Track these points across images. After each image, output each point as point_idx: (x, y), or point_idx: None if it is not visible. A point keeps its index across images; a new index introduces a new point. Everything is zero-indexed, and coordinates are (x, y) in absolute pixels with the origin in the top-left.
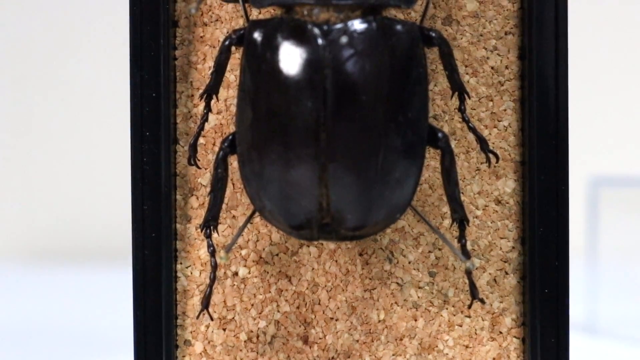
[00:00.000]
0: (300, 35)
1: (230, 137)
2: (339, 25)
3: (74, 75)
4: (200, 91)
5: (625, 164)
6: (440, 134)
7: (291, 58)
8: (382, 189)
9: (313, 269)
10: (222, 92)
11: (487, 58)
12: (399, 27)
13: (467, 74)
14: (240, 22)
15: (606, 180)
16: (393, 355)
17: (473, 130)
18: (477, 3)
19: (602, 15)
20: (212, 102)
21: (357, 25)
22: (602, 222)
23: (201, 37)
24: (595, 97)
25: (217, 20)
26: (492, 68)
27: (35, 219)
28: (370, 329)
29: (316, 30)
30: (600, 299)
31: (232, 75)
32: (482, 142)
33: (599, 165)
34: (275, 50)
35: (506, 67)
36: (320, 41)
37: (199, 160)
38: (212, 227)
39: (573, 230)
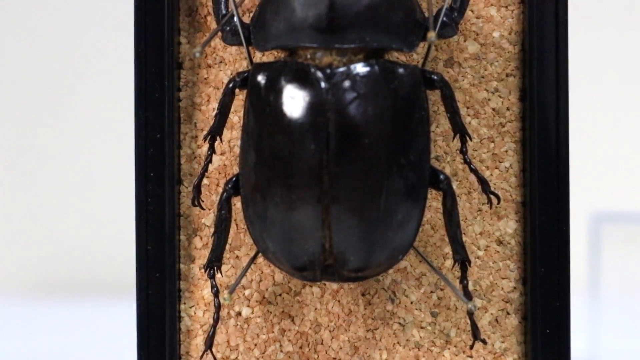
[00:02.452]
0: (303, 79)
1: (233, 178)
2: (341, 69)
3: (79, 110)
4: (204, 132)
5: (627, 200)
6: (442, 176)
7: (294, 101)
8: (385, 231)
9: (316, 309)
10: (226, 134)
11: (489, 100)
12: (401, 70)
13: (468, 115)
14: (244, 64)
15: (608, 216)
16: None
17: (475, 172)
18: (478, 45)
19: (602, 56)
20: (216, 143)
21: (360, 68)
22: (604, 258)
23: (205, 79)
24: (596, 133)
25: (221, 62)
26: (494, 109)
27: (37, 253)
28: None
29: (319, 74)
30: (602, 335)
31: (235, 116)
32: (484, 184)
33: (600, 201)
34: (278, 93)
35: (507, 109)
36: (323, 84)
37: (202, 201)
38: (215, 268)
39: (575, 265)
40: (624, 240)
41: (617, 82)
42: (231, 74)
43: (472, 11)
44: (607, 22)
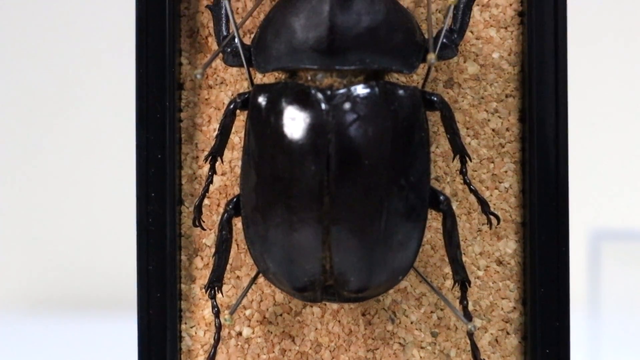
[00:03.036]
0: (304, 100)
1: (234, 199)
2: (342, 90)
3: (81, 129)
4: (205, 153)
5: (627, 218)
6: (442, 197)
7: (295, 122)
8: (385, 252)
9: (316, 329)
10: (227, 154)
11: (488, 120)
12: (401, 91)
13: (468, 136)
14: (245, 85)
15: (608, 233)
16: None
17: (474, 192)
18: (478, 66)
19: (601, 77)
20: (217, 164)
21: (360, 90)
22: (603, 275)
23: (206, 99)
24: (596, 150)
25: (222, 83)
26: (493, 130)
27: (37, 270)
28: None
29: (320, 95)
30: (602, 353)
31: (236, 137)
32: (483, 205)
33: (600, 218)
34: (279, 114)
35: (507, 130)
36: (323, 106)
37: (203, 221)
38: (216, 288)
39: (575, 284)
40: (624, 258)
41: (616, 101)
42: (232, 95)
43: (471, 32)
44: (607, 42)
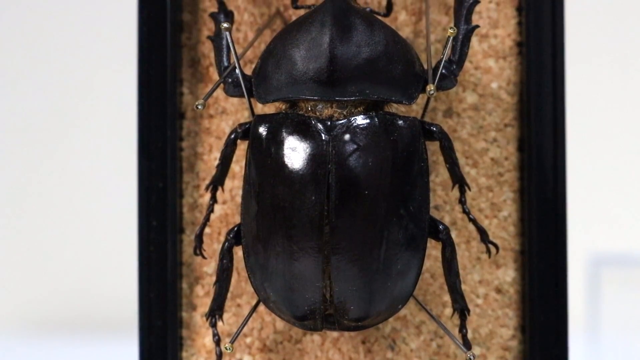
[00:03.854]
0: (304, 131)
1: (235, 228)
2: (342, 121)
3: (83, 157)
4: (206, 182)
5: (627, 243)
6: (441, 226)
7: (295, 152)
8: (385, 281)
9: (316, 356)
10: (228, 183)
11: (487, 149)
12: (400, 122)
13: (467, 165)
14: (246, 115)
15: (607, 258)
16: None
17: (473, 222)
18: (477, 96)
19: (599, 106)
20: (218, 193)
21: (360, 120)
22: (603, 301)
23: (207, 128)
24: (595, 176)
25: (222, 112)
26: (492, 159)
27: (37, 292)
28: None
29: (320, 126)
30: None
31: (237, 166)
32: (482, 234)
33: (600, 243)
34: (280, 144)
35: (506, 159)
36: (324, 136)
37: (204, 250)
38: (217, 316)
39: (574, 310)
40: (624, 284)
41: (614, 128)
42: (233, 124)
43: (470, 62)
44: (605, 72)
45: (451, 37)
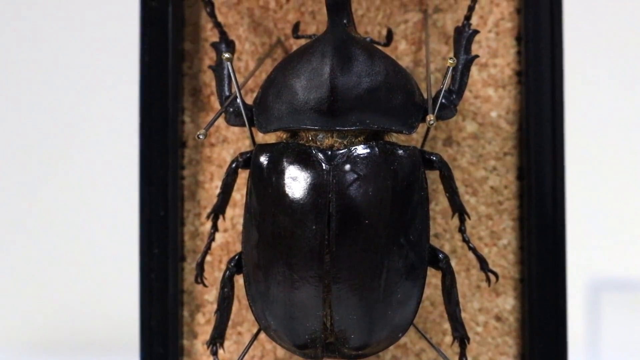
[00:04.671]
0: (305, 160)
1: (236, 257)
2: (342, 151)
3: (84, 184)
4: (208, 210)
5: (626, 268)
6: (441, 255)
7: (296, 182)
8: (385, 310)
9: None
10: (229, 211)
11: (487, 178)
12: (400, 152)
13: (467, 193)
14: (247, 143)
15: (607, 283)
16: None
17: (473, 250)
18: (476, 125)
19: (598, 135)
20: (219, 221)
21: (360, 150)
22: (603, 326)
23: (208, 157)
24: (594, 200)
25: (224, 141)
26: (492, 188)
27: (37, 319)
28: None
29: (320, 155)
30: None
31: (238, 194)
32: (482, 262)
33: (599, 268)
34: (280, 174)
35: (505, 187)
36: (324, 166)
37: (205, 278)
38: (218, 344)
39: (574, 334)
40: (624, 308)
41: (613, 156)
42: (234, 153)
43: (470, 91)
44: (604, 101)
45: (451, 67)
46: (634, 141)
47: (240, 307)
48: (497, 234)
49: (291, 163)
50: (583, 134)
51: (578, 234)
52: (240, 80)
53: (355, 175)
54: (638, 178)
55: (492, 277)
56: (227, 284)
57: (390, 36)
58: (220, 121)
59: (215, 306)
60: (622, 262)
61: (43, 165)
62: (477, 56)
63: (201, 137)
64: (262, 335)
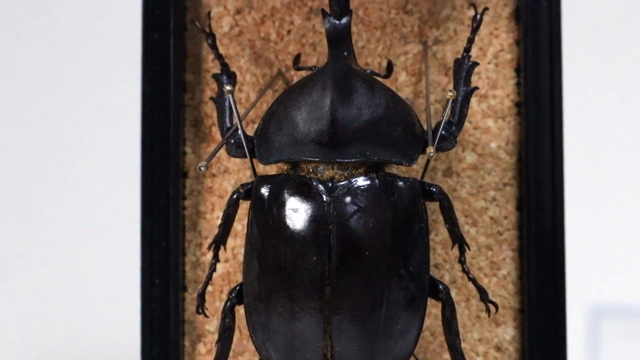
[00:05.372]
0: (305, 192)
1: (237, 287)
2: (343, 182)
3: (84, 215)
4: (209, 240)
5: (626, 294)
6: (441, 286)
7: (297, 214)
8: (385, 340)
9: None
10: (230, 241)
11: (487, 208)
12: (400, 183)
13: (467, 224)
14: (248, 174)
15: (607, 310)
16: None
17: (473, 281)
18: (476, 156)
19: (597, 165)
20: (220, 251)
21: (361, 182)
22: (603, 353)
23: (210, 187)
24: (594, 228)
25: (225, 171)
26: (491, 218)
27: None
28: None
29: (321, 187)
30: None
31: (239, 225)
32: (482, 293)
33: (599, 295)
34: (281, 205)
35: (505, 218)
36: (325, 198)
37: (206, 308)
38: None
39: None
40: (624, 335)
41: (612, 186)
42: (235, 183)
43: (470, 122)
44: (603, 132)
45: (450, 100)
46: (633, 170)
47: (241, 337)
48: (496, 264)
49: (292, 195)
50: (582, 164)
51: (578, 262)
52: (242, 111)
53: (356, 207)
54: (637, 206)
55: (492, 308)
56: (228, 315)
57: (390, 68)
58: (222, 152)
59: (216, 336)
60: (622, 290)
61: (42, 197)
62: (476, 88)
63: (203, 169)
64: None
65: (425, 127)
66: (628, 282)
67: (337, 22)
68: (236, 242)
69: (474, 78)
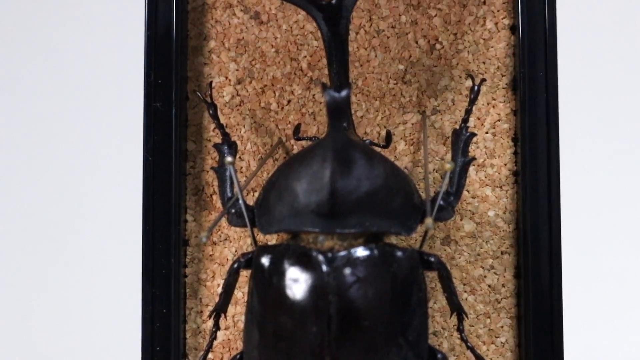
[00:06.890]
0: (305, 262)
1: (238, 356)
2: (342, 253)
3: (85, 271)
4: (210, 308)
5: (626, 344)
6: (439, 355)
7: (297, 284)
8: None
9: None
10: (230, 309)
11: (485, 277)
12: (399, 253)
13: (465, 291)
14: (248, 242)
15: None
16: None
17: (471, 349)
18: (474, 224)
19: (595, 232)
20: (220, 319)
21: (360, 252)
22: None
23: (210, 255)
24: (592, 294)
25: (225, 239)
26: (489, 286)
27: None
28: None
29: (321, 257)
30: None
31: (239, 292)
32: None
33: (598, 355)
34: (281, 275)
35: (503, 286)
36: (324, 268)
37: None
38: None
39: None
40: None
41: (611, 250)
42: (236, 252)
43: (467, 191)
44: (601, 200)
45: (449, 171)
46: (631, 236)
47: None
48: (494, 332)
49: (292, 265)
50: (579, 231)
51: (576, 329)
52: (242, 180)
53: (355, 277)
54: (633, 273)
55: None
56: None
57: (389, 138)
58: (222, 220)
59: None
60: (620, 354)
61: (44, 264)
62: (474, 158)
63: (204, 239)
64: None
65: (423, 196)
66: (627, 351)
67: (337, 94)
68: (236, 310)
69: (471, 147)
